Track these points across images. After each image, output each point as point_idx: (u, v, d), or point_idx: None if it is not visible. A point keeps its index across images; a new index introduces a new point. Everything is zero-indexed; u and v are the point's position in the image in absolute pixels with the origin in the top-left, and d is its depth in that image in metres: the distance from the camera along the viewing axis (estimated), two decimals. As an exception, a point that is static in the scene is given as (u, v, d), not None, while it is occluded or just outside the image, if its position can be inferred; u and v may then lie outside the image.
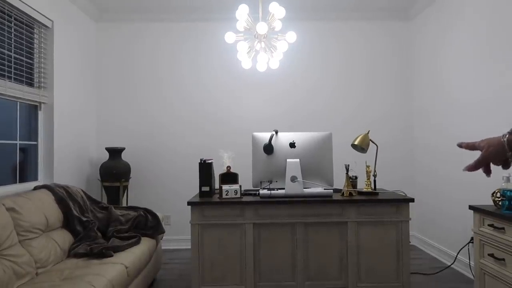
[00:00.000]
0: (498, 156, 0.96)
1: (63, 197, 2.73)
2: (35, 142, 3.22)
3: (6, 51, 2.80)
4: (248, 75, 4.18)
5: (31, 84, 3.11)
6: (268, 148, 2.60)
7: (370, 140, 2.63)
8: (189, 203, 2.51)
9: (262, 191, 2.56)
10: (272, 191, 2.54)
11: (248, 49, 3.18)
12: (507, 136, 0.94)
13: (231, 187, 2.59)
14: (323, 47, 4.29)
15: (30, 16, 3.03)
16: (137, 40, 4.25)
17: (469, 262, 2.98)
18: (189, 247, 2.55)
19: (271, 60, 3.26)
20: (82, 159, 3.87)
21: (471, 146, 1.02)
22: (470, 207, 2.37)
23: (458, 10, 3.37)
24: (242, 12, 2.88)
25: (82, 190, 3.04)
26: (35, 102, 3.19)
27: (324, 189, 2.59)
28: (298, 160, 2.57)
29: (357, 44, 4.30)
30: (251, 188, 2.73)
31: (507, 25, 2.75)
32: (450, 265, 3.20)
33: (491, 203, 2.32)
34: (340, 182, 2.89)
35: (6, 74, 2.78)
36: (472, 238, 2.47)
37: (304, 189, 2.55)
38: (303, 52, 4.25)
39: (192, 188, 4.19)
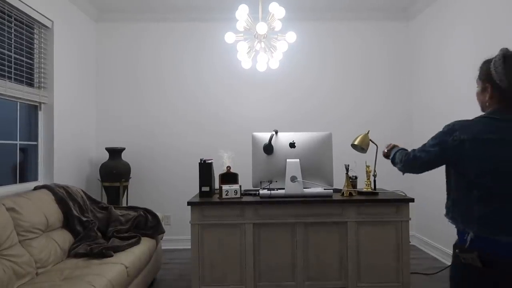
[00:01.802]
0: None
1: (63, 197, 2.73)
2: (35, 142, 3.22)
3: (6, 51, 2.80)
4: (248, 75, 4.18)
5: (31, 84, 3.11)
6: (268, 148, 2.60)
7: (370, 140, 2.63)
8: (189, 203, 2.51)
9: (262, 191, 2.56)
10: (272, 191, 2.54)
11: (248, 49, 3.18)
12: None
13: (231, 187, 2.59)
14: (322, 47, 4.29)
15: (30, 16, 3.03)
16: (137, 40, 4.25)
17: (469, 262, 2.98)
18: (189, 247, 2.54)
19: (271, 60, 3.26)
20: (82, 159, 3.87)
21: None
22: (470, 207, 2.36)
23: (458, 9, 3.37)
24: (242, 12, 2.88)
25: (82, 190, 3.04)
26: (35, 102, 3.19)
27: (324, 189, 2.59)
28: (298, 160, 2.57)
29: (355, 43, 4.30)
30: (251, 188, 2.73)
31: (508, 23, 2.75)
32: (450, 265, 3.19)
33: (491, 203, 2.32)
34: (340, 182, 2.88)
35: (6, 74, 2.78)
36: (472, 238, 2.47)
37: (304, 189, 2.55)
38: (302, 52, 4.25)
39: (192, 188, 4.17)
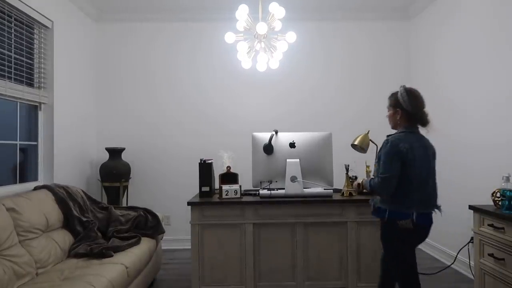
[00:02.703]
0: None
1: (63, 197, 2.73)
2: (35, 143, 3.22)
3: (6, 51, 2.80)
4: (248, 75, 4.18)
5: (31, 85, 3.11)
6: (268, 148, 2.60)
7: (370, 140, 2.63)
8: (189, 203, 2.51)
9: (262, 191, 2.56)
10: (272, 191, 2.55)
11: (248, 49, 3.18)
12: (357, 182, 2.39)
13: (231, 187, 2.59)
14: (324, 47, 4.29)
15: (30, 16, 3.03)
16: (137, 40, 4.25)
17: (469, 262, 2.98)
18: (189, 247, 2.55)
19: (271, 60, 3.26)
20: (82, 159, 3.87)
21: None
22: (470, 207, 2.37)
23: (457, 10, 3.37)
24: (242, 12, 2.88)
25: (82, 190, 3.04)
26: (35, 103, 3.19)
27: (324, 189, 2.59)
28: (298, 160, 2.57)
29: (357, 44, 4.29)
30: (251, 188, 2.73)
31: (507, 25, 2.75)
32: (450, 265, 3.20)
33: (491, 203, 2.32)
34: (340, 182, 2.88)
35: (6, 74, 2.78)
36: (472, 238, 2.47)
37: (304, 189, 2.55)
38: (303, 53, 4.24)
39: (192, 188, 4.18)
